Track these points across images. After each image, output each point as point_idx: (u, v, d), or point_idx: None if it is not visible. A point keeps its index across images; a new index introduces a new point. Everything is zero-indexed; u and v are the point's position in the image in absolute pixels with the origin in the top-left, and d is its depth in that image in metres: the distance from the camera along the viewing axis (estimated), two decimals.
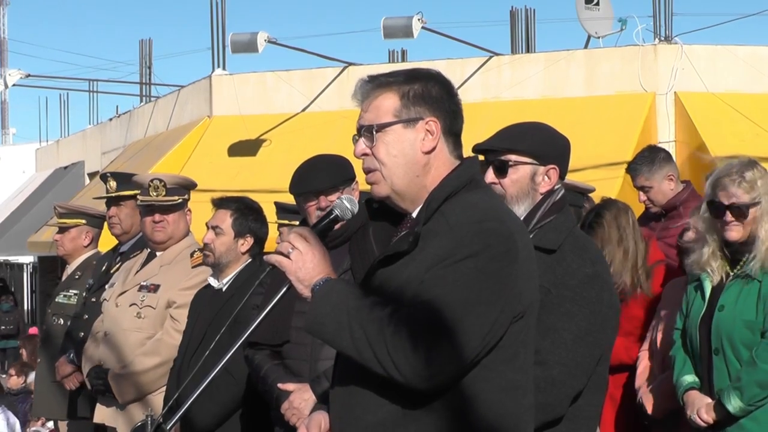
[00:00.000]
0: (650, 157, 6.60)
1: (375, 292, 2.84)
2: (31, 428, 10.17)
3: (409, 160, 2.93)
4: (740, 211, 4.61)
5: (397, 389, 2.78)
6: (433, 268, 2.77)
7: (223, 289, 5.34)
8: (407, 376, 2.73)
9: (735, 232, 4.65)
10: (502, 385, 2.84)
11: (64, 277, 7.50)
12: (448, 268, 2.76)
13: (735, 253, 4.70)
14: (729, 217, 4.63)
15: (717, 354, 4.65)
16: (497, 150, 3.65)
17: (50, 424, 9.95)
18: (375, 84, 2.96)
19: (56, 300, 7.34)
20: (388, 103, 2.94)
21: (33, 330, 17.82)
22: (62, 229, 7.36)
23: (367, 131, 2.95)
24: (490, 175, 3.64)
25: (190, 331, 5.39)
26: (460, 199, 2.88)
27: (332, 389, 3.01)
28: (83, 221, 7.30)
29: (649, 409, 5.27)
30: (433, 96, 2.94)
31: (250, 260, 5.40)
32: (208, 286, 5.44)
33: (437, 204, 2.88)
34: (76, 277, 7.27)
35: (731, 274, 4.71)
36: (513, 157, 3.63)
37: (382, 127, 2.93)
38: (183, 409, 3.00)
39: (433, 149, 2.93)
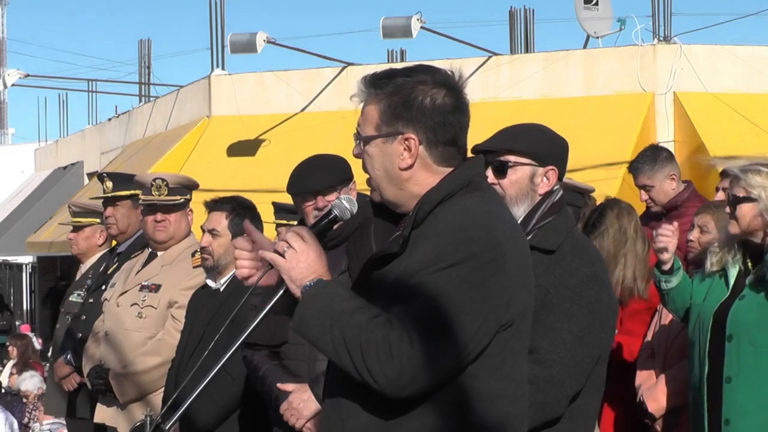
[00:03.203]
0: (652, 156, 6.61)
1: (367, 294, 2.82)
2: (44, 423, 10.15)
3: (389, 175, 2.89)
4: (735, 202, 4.64)
5: (381, 395, 2.75)
6: (417, 275, 2.74)
7: (221, 289, 5.34)
8: (380, 383, 2.70)
9: (732, 227, 4.67)
10: (486, 394, 2.80)
11: (78, 276, 7.49)
12: (430, 276, 2.73)
13: (758, 257, 4.70)
14: (728, 209, 4.66)
15: (730, 341, 4.63)
16: (496, 151, 3.64)
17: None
18: (366, 91, 2.91)
19: (70, 299, 7.34)
20: (371, 115, 2.90)
21: (25, 328, 17.82)
22: (76, 228, 7.35)
23: (357, 139, 2.94)
24: (489, 176, 3.64)
25: (189, 331, 5.39)
26: (455, 203, 2.84)
27: (324, 393, 3.02)
28: (98, 220, 7.27)
29: (650, 408, 5.28)
30: (415, 108, 2.86)
31: None
32: (206, 286, 5.44)
33: (430, 207, 2.83)
34: (90, 276, 7.26)
35: (752, 271, 4.71)
36: (512, 158, 3.63)
37: (367, 141, 2.91)
38: (182, 409, 2.99)
39: (411, 166, 2.87)
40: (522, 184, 3.62)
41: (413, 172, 2.88)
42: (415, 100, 2.86)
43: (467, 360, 2.76)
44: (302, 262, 2.85)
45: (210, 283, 5.40)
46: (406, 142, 2.87)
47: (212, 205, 5.44)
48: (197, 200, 6.22)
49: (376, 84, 2.91)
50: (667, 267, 4.83)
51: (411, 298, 2.73)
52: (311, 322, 2.79)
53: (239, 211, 5.37)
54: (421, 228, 2.82)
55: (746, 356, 4.59)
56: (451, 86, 2.91)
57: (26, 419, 10.67)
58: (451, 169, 2.90)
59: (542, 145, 3.68)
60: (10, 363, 12.75)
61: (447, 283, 2.72)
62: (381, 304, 2.78)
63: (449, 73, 2.93)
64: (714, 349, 4.69)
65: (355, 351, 2.71)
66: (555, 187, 3.65)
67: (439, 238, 2.76)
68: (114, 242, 7.13)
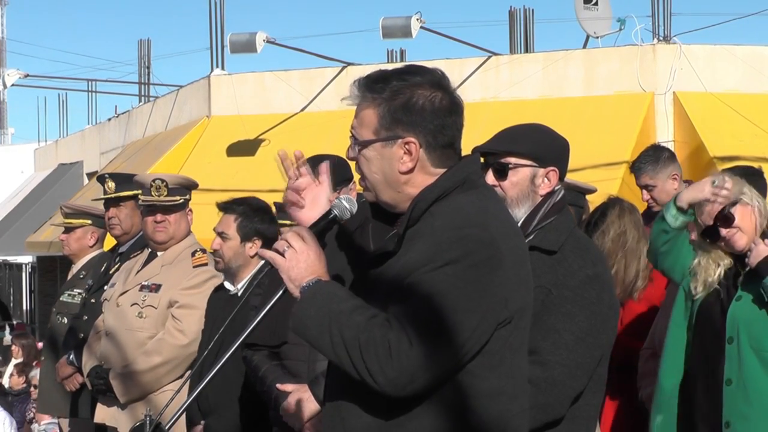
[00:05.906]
0: (655, 156, 6.61)
1: (365, 293, 2.83)
2: (41, 423, 10.14)
3: (387, 178, 2.90)
4: (726, 218, 4.52)
5: (382, 395, 2.76)
6: (413, 274, 2.75)
7: (239, 293, 5.31)
8: (380, 382, 2.71)
9: (740, 240, 4.55)
10: (485, 391, 2.82)
11: (69, 276, 7.53)
12: (427, 275, 2.74)
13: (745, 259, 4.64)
14: (723, 231, 4.54)
15: (731, 343, 4.58)
16: (497, 152, 3.63)
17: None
18: (361, 94, 2.90)
19: (61, 299, 7.39)
20: (369, 119, 2.89)
21: (19, 327, 17.83)
22: (68, 229, 7.39)
23: (353, 142, 2.94)
24: (489, 178, 3.62)
25: (208, 336, 5.36)
26: (450, 201, 2.84)
27: (324, 394, 3.03)
28: (89, 221, 7.33)
29: (651, 408, 5.28)
30: (416, 111, 2.86)
31: (263, 262, 5.38)
32: (221, 288, 5.42)
33: (426, 205, 2.84)
34: (81, 276, 7.30)
35: (743, 273, 4.64)
36: (513, 160, 3.61)
37: (365, 145, 2.90)
38: (182, 409, 3.00)
39: (411, 170, 2.88)
40: (523, 185, 3.60)
41: (412, 175, 2.89)
42: (416, 104, 2.87)
43: (466, 358, 2.77)
44: (302, 262, 2.86)
45: (228, 286, 5.38)
46: (407, 146, 2.87)
47: (224, 207, 5.42)
48: (197, 200, 6.23)
49: (371, 88, 2.90)
50: (684, 205, 4.57)
51: (408, 298, 2.74)
52: (310, 323, 2.80)
53: (249, 213, 5.35)
54: (417, 226, 2.83)
55: (748, 359, 4.57)
56: (446, 88, 2.92)
57: (32, 414, 10.65)
58: (446, 170, 2.90)
59: (542, 145, 3.66)
60: (12, 363, 12.71)
61: (443, 282, 2.73)
62: (378, 304, 2.78)
63: (441, 73, 2.93)
64: (707, 351, 4.67)
65: (354, 350, 2.72)
66: (556, 188, 3.64)
67: (434, 236, 2.77)
68: (114, 241, 7.15)
